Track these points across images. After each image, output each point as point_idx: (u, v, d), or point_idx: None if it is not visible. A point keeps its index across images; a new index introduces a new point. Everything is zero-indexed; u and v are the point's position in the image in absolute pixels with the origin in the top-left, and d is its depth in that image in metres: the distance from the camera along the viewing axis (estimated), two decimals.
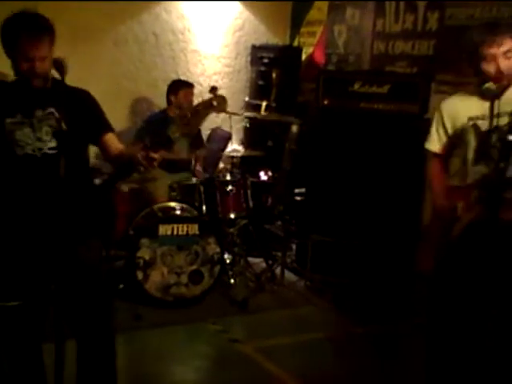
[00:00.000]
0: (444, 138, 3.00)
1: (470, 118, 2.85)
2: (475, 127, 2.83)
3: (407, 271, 4.59)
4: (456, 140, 2.95)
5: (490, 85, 2.70)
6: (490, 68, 2.73)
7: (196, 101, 6.09)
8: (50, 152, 2.56)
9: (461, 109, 2.91)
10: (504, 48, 2.70)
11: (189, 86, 5.45)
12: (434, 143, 3.05)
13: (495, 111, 2.70)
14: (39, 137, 2.55)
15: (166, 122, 5.19)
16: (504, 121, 2.68)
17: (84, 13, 5.62)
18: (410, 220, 4.64)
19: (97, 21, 5.73)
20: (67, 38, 5.52)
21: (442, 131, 3.00)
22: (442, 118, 2.99)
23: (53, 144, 2.56)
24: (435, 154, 3.07)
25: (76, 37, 5.49)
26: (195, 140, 5.40)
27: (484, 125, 2.78)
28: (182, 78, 5.65)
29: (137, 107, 6.03)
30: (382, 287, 4.64)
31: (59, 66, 2.49)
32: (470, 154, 2.86)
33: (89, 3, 5.60)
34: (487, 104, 2.73)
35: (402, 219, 4.57)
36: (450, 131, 2.97)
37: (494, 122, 2.70)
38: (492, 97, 2.68)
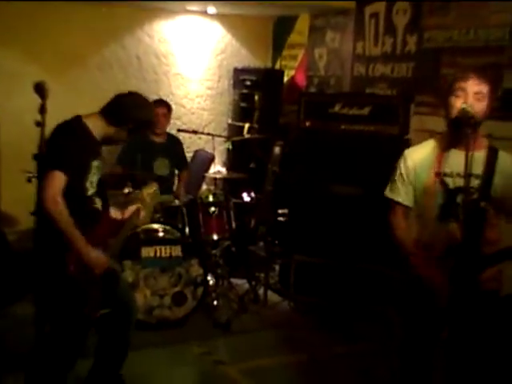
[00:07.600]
0: (408, 188, 2.85)
1: (437, 174, 2.74)
2: (443, 184, 2.73)
3: (388, 291, 4.61)
4: (422, 193, 2.82)
5: (467, 106, 2.56)
6: (457, 102, 2.61)
7: (178, 122, 6.15)
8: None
9: (426, 161, 2.79)
10: (477, 88, 2.61)
11: (158, 104, 5.15)
12: (398, 193, 2.88)
13: (457, 170, 2.64)
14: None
15: (146, 144, 5.24)
16: (472, 182, 2.55)
17: (67, 37, 5.66)
18: (392, 240, 4.65)
19: (80, 45, 5.76)
20: (51, 62, 5.59)
21: (406, 180, 2.85)
22: (406, 168, 2.84)
23: None
24: (398, 203, 2.90)
25: (59, 61, 5.53)
26: (178, 161, 5.42)
27: (451, 182, 2.70)
28: (166, 100, 5.64)
29: None
30: (365, 307, 4.66)
31: (40, 89, 2.51)
32: (437, 210, 2.74)
33: (72, 27, 5.65)
34: (456, 160, 2.66)
35: (384, 239, 4.59)
36: (413, 182, 2.83)
37: (462, 182, 2.59)
38: (467, 119, 2.55)
